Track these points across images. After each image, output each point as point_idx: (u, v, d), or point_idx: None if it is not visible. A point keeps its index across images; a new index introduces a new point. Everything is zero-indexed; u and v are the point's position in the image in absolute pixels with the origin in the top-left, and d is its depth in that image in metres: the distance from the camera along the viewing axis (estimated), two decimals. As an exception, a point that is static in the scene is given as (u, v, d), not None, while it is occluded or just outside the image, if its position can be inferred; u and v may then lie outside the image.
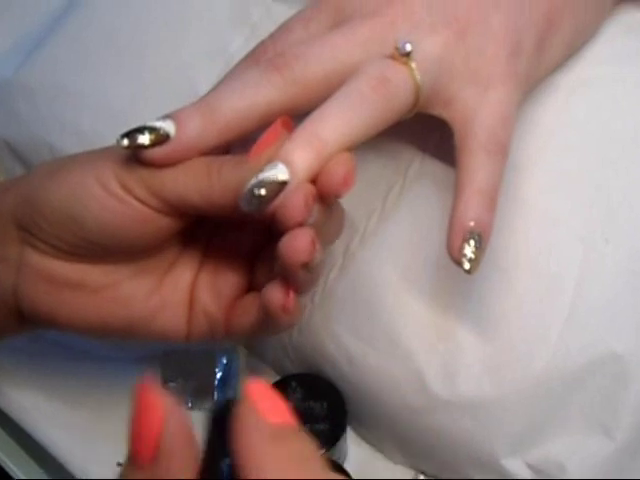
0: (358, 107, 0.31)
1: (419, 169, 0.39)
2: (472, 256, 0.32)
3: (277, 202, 0.29)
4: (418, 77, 0.32)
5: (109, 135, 0.32)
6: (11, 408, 0.43)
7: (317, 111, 0.31)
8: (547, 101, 0.38)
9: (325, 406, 0.40)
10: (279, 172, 0.29)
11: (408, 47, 0.32)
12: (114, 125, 0.44)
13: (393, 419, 0.39)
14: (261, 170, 0.29)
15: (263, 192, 0.29)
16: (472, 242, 0.32)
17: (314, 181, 0.30)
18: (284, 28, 0.36)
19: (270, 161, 0.30)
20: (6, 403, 0.44)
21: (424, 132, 0.38)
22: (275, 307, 0.31)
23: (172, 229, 0.33)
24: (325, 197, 0.30)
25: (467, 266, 0.32)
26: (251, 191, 0.29)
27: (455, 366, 0.37)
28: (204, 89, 0.37)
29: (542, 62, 0.35)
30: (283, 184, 0.29)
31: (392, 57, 0.32)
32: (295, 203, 0.29)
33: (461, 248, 0.32)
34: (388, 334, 0.38)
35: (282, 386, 0.40)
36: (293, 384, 0.40)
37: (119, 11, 0.45)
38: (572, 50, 0.38)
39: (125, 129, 0.31)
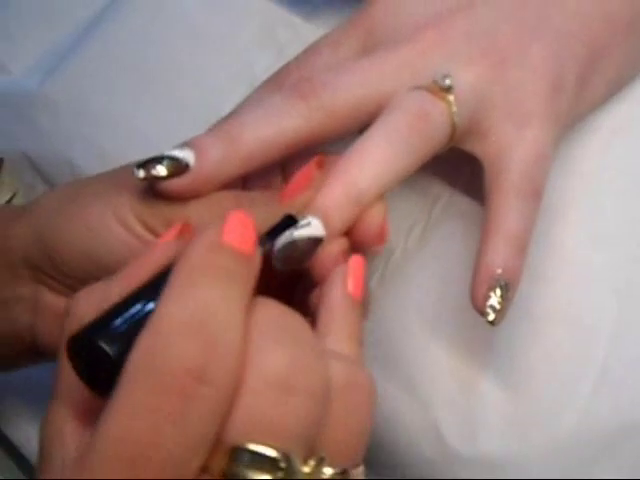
0: (397, 148, 0.29)
1: (446, 206, 0.36)
2: (497, 306, 0.29)
3: (312, 260, 0.28)
4: (455, 112, 0.30)
5: (130, 156, 0.30)
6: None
7: (354, 152, 0.29)
8: (587, 142, 0.35)
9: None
10: (315, 230, 0.27)
11: (448, 82, 0.30)
12: (136, 146, 0.43)
13: (409, 470, 0.37)
14: (295, 226, 0.27)
15: (298, 252, 0.27)
16: (498, 291, 0.30)
17: (348, 232, 0.29)
18: (311, 51, 0.34)
19: (305, 206, 0.28)
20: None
21: (454, 165, 0.36)
22: None
23: None
24: (358, 248, 0.29)
25: (491, 317, 0.30)
26: (285, 249, 0.27)
27: (476, 421, 0.34)
28: (228, 111, 0.35)
29: (583, 98, 0.33)
30: (319, 240, 0.27)
31: (429, 90, 0.30)
32: (329, 260, 0.28)
33: (486, 297, 0.30)
34: (405, 381, 0.35)
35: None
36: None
37: (145, 32, 0.44)
38: (616, 87, 0.35)
39: (146, 150, 0.29)
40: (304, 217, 0.28)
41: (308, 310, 0.30)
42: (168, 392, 0.20)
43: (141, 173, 0.28)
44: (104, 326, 0.22)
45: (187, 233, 0.28)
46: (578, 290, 0.34)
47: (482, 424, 0.34)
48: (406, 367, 0.35)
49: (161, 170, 0.28)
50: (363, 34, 0.33)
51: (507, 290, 0.30)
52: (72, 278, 0.31)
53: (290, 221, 0.28)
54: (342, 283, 0.27)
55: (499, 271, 0.30)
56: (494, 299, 0.29)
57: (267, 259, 0.27)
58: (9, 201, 0.48)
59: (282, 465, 0.20)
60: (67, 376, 0.23)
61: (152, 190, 0.29)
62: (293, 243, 0.27)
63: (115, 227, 0.30)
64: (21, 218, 0.33)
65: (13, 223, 0.33)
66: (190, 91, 0.43)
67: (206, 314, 0.21)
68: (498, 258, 0.30)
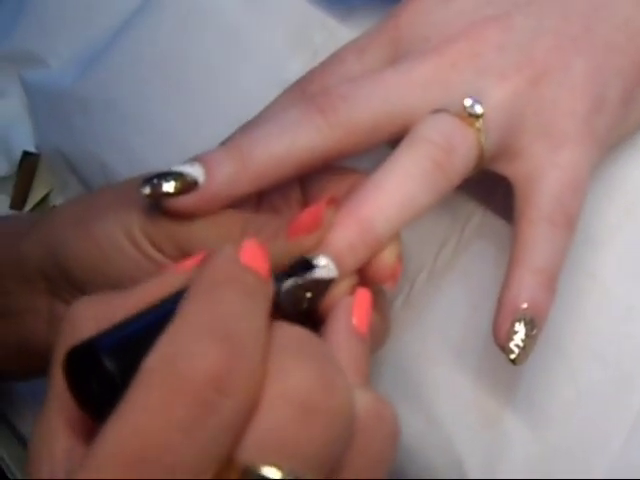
0: (418, 185, 0.27)
1: (478, 226, 0.34)
2: (521, 344, 0.27)
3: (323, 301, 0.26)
4: (484, 139, 0.28)
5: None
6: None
7: (371, 187, 0.27)
8: (630, 164, 0.32)
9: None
10: (327, 272, 0.26)
11: (479, 109, 0.28)
12: (165, 146, 0.43)
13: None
14: (306, 269, 0.26)
15: (309, 295, 0.26)
16: (523, 327, 0.27)
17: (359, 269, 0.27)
18: (336, 58, 0.32)
19: (314, 245, 0.26)
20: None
21: (488, 183, 0.34)
22: None
23: None
24: (368, 283, 0.27)
25: (514, 355, 0.27)
26: (295, 292, 0.25)
27: (499, 460, 0.32)
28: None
29: (627, 118, 0.30)
30: (330, 282, 0.26)
31: (458, 115, 0.28)
32: (334, 299, 0.26)
33: (509, 333, 0.27)
34: (427, 413, 0.33)
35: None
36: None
37: (178, 32, 0.43)
38: None
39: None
40: (315, 257, 0.26)
41: None
42: (185, 397, 0.18)
43: (147, 190, 0.27)
44: (108, 342, 0.21)
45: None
46: (616, 329, 0.31)
47: (506, 462, 0.32)
48: (429, 397, 0.33)
49: (168, 187, 0.27)
50: (390, 42, 0.31)
51: (533, 327, 0.27)
52: (85, 292, 0.30)
53: (306, 264, 0.26)
54: (347, 318, 0.25)
55: (524, 306, 0.27)
56: (518, 336, 0.27)
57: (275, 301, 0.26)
58: (46, 197, 0.48)
59: None
60: (59, 385, 0.22)
61: (158, 207, 0.28)
62: (303, 285, 0.26)
63: (125, 245, 0.29)
64: (33, 231, 0.32)
65: (27, 236, 0.32)
66: (222, 93, 0.42)
67: (231, 321, 0.20)
68: (524, 291, 0.28)
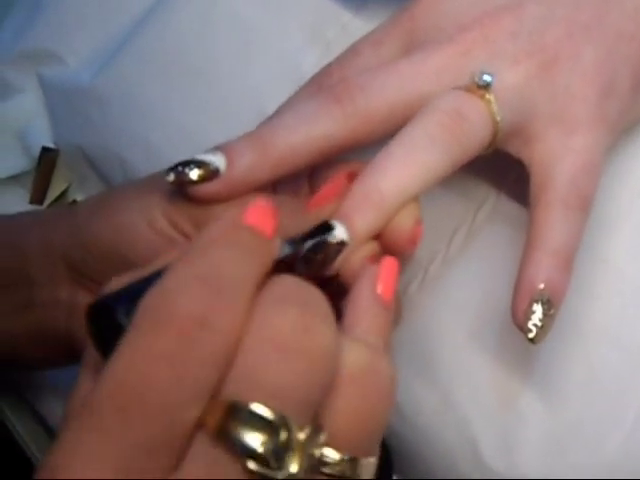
0: (426, 152, 0.28)
1: (491, 211, 0.35)
2: (539, 323, 0.28)
3: (336, 265, 0.27)
4: (496, 112, 0.29)
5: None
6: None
7: (378, 158, 0.28)
8: (641, 148, 0.33)
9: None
10: (338, 233, 0.27)
11: (487, 78, 0.28)
12: (182, 142, 0.43)
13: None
14: (319, 230, 0.27)
15: (321, 256, 0.27)
16: (540, 307, 0.28)
17: (379, 236, 0.28)
18: (352, 51, 0.33)
19: (330, 217, 0.27)
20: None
21: (500, 169, 0.34)
22: None
23: None
24: (389, 252, 0.28)
25: (532, 334, 0.28)
26: (309, 254, 0.26)
27: (515, 439, 0.32)
28: (273, 109, 0.34)
29: (638, 103, 0.31)
30: (342, 245, 0.27)
31: (468, 89, 0.29)
32: (357, 265, 0.27)
33: (527, 313, 0.28)
34: (443, 394, 0.34)
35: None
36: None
37: (195, 28, 0.44)
38: None
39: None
40: (329, 222, 0.27)
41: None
42: (167, 333, 0.19)
43: (171, 177, 0.28)
44: (120, 297, 0.23)
45: None
46: (629, 309, 0.32)
47: (521, 441, 0.32)
48: (445, 379, 0.34)
49: (192, 174, 0.28)
50: (405, 34, 0.32)
51: (550, 307, 0.28)
52: (106, 277, 0.31)
53: (326, 228, 0.27)
54: (371, 283, 0.25)
55: (541, 286, 0.28)
56: (535, 315, 0.28)
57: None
58: (65, 192, 0.49)
59: (278, 428, 0.19)
60: (91, 346, 0.23)
61: (182, 193, 0.29)
62: (316, 247, 0.27)
63: (141, 225, 0.30)
64: (61, 220, 0.33)
65: (56, 224, 0.33)
66: (238, 88, 0.42)
67: (217, 271, 0.20)
68: (541, 272, 0.28)
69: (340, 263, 0.27)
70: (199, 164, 0.28)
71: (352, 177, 0.28)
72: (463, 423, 0.33)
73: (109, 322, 0.22)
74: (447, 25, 0.31)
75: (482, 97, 0.29)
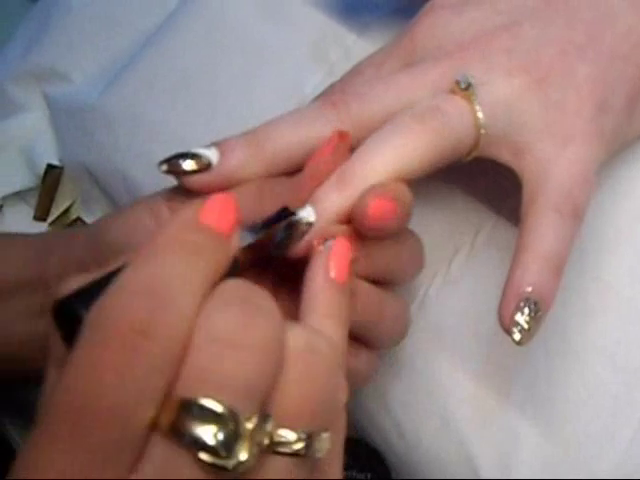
0: (400, 138, 0.28)
1: (490, 234, 0.35)
2: (525, 325, 0.28)
3: (302, 245, 0.28)
4: (480, 114, 0.29)
5: None
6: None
7: (359, 148, 0.29)
8: (638, 169, 0.33)
9: (369, 478, 0.37)
10: (307, 214, 0.28)
11: (468, 79, 0.29)
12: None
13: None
14: (279, 215, 0.28)
15: (290, 233, 0.28)
16: (526, 309, 0.28)
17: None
18: (354, 71, 0.34)
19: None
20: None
21: (499, 194, 0.35)
22: None
23: None
24: (364, 233, 0.28)
25: (517, 336, 0.28)
26: (281, 231, 0.28)
27: (511, 459, 0.33)
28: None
29: (632, 124, 0.32)
30: (310, 225, 0.28)
31: (451, 91, 0.30)
32: (303, 245, 0.28)
33: (513, 314, 0.28)
34: (441, 413, 0.34)
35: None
36: (338, 450, 0.38)
37: (200, 46, 0.44)
38: None
39: None
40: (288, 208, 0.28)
41: None
42: (111, 344, 0.20)
43: (164, 167, 0.30)
44: (82, 293, 0.23)
45: None
46: (625, 330, 0.32)
47: (518, 461, 0.33)
48: (441, 399, 0.34)
49: (185, 165, 0.30)
50: (406, 54, 0.33)
51: (537, 310, 0.28)
52: None
53: (286, 212, 0.28)
54: (324, 266, 0.26)
55: (529, 289, 0.28)
56: (521, 317, 0.28)
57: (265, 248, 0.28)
58: (68, 208, 0.50)
59: (226, 419, 0.20)
60: (55, 342, 0.24)
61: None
62: (289, 224, 0.28)
63: (146, 219, 0.31)
64: (82, 233, 0.35)
65: (74, 239, 0.35)
66: (242, 107, 0.43)
67: (160, 278, 0.21)
68: (528, 276, 0.28)
69: (306, 244, 0.28)
70: (192, 156, 0.30)
71: (344, 137, 0.29)
72: (460, 443, 0.34)
73: (73, 318, 0.23)
74: (446, 43, 0.32)
75: (466, 98, 0.29)
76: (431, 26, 0.33)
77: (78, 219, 0.48)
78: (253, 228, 0.27)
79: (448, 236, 0.36)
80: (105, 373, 0.20)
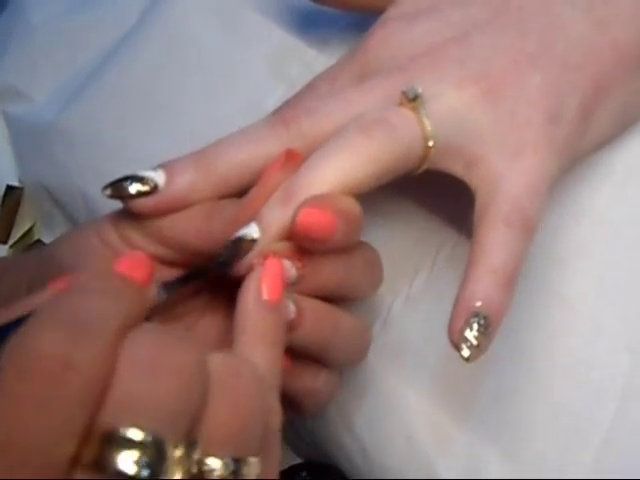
0: (342, 153, 0.28)
1: (451, 253, 0.35)
2: (474, 341, 0.27)
3: (245, 262, 0.27)
4: (428, 124, 0.28)
5: None
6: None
7: (304, 163, 0.28)
8: (599, 185, 0.33)
9: (335, 501, 0.37)
10: (251, 230, 0.27)
11: (416, 90, 0.29)
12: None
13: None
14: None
15: (234, 250, 0.27)
16: (475, 325, 0.27)
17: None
18: (310, 86, 0.34)
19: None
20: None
21: (461, 212, 0.35)
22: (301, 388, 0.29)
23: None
24: (308, 248, 0.28)
25: (466, 353, 0.27)
26: (226, 249, 0.27)
27: (478, 477, 0.33)
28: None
29: (587, 132, 0.31)
30: (254, 242, 0.27)
31: (400, 103, 0.29)
32: (245, 264, 0.27)
33: (462, 330, 0.27)
34: (405, 434, 0.34)
35: (289, 475, 0.37)
36: (303, 474, 0.37)
37: (158, 65, 0.44)
38: (625, 122, 0.33)
39: None
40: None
41: None
42: (32, 377, 0.20)
43: (108, 191, 0.29)
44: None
45: None
46: (586, 347, 0.32)
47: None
48: (404, 420, 0.34)
49: (130, 189, 0.29)
50: (359, 68, 0.32)
51: (487, 326, 0.27)
52: None
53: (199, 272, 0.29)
54: (254, 286, 0.26)
55: (478, 304, 0.27)
56: (470, 333, 0.27)
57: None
58: (29, 230, 0.49)
59: (151, 446, 0.20)
60: None
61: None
62: (234, 241, 0.27)
63: (94, 240, 0.31)
64: (34, 256, 0.35)
65: (25, 262, 0.35)
66: (205, 124, 0.42)
67: (80, 313, 0.21)
68: (478, 290, 0.27)
69: (248, 262, 0.27)
70: (137, 179, 0.29)
71: (294, 157, 0.29)
72: (425, 464, 0.34)
73: None
74: (398, 56, 0.31)
75: (413, 109, 0.29)
76: (384, 38, 0.32)
77: (39, 241, 0.48)
78: (166, 285, 0.27)
79: (410, 254, 0.36)
80: (27, 409, 0.19)
